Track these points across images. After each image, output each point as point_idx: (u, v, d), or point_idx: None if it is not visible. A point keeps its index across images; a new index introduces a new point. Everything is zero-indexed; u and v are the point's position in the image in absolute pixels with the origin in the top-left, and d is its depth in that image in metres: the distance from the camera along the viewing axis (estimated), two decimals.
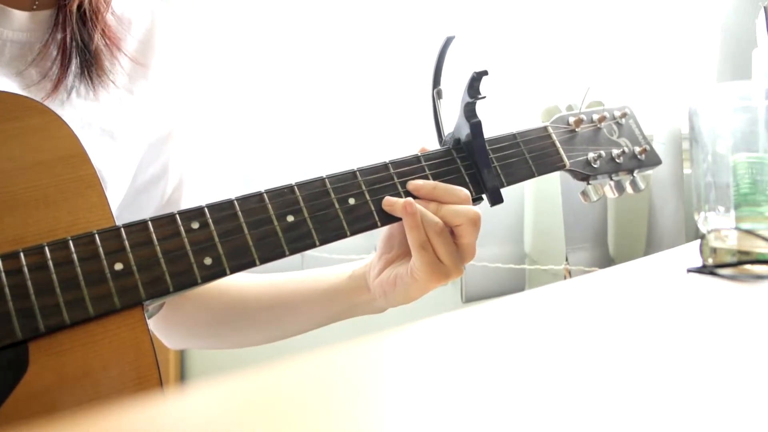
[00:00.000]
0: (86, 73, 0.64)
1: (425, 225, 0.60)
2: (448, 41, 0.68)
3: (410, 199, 0.61)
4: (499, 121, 1.07)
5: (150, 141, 0.71)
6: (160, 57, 0.72)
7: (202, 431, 0.24)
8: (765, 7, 0.73)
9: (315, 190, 0.59)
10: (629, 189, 0.77)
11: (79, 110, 0.63)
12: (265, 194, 0.57)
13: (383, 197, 0.61)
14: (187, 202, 0.75)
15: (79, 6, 0.63)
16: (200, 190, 0.77)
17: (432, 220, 0.61)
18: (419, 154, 0.65)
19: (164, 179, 0.73)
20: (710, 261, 0.53)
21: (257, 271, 0.67)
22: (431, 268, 0.61)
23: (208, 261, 0.53)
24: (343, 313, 0.71)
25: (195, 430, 0.24)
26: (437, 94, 0.68)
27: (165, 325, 0.77)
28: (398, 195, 0.62)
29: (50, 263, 0.48)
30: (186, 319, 0.76)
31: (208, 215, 0.54)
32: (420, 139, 1.19)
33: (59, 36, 0.62)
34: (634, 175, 0.78)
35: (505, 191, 0.68)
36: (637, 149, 0.77)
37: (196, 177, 0.77)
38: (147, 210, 0.73)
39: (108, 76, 0.66)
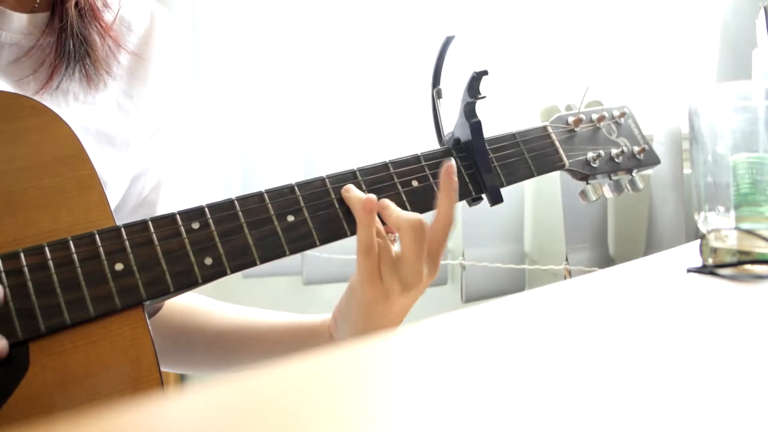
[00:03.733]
0: (83, 69, 0.63)
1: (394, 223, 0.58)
2: (448, 41, 0.68)
3: (372, 196, 0.58)
4: (498, 120, 1.07)
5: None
6: (159, 59, 0.72)
7: (202, 431, 0.24)
8: (765, 7, 0.73)
9: (315, 189, 0.59)
10: (628, 189, 0.77)
11: (77, 114, 0.63)
12: (265, 194, 0.57)
13: (383, 197, 0.61)
14: (164, 205, 0.74)
15: (76, 4, 0.63)
16: (180, 193, 0.77)
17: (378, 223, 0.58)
18: (419, 153, 0.66)
19: (143, 178, 0.73)
20: (710, 261, 0.53)
21: (257, 273, 0.67)
22: (369, 278, 0.57)
23: (208, 261, 0.53)
24: (297, 352, 0.66)
25: (195, 430, 0.24)
26: (437, 94, 0.68)
27: None
28: (398, 195, 0.62)
29: (51, 263, 0.48)
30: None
31: (208, 215, 0.54)
32: (420, 139, 1.19)
33: (56, 32, 0.62)
34: (633, 174, 0.78)
35: (505, 191, 0.68)
36: (636, 149, 0.77)
37: (176, 180, 0.76)
38: (123, 208, 0.72)
39: (105, 73, 0.65)
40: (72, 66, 0.63)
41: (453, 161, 0.60)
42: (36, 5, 0.63)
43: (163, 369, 0.78)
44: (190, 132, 1.31)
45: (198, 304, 0.76)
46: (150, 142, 0.72)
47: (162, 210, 0.73)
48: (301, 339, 0.68)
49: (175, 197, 0.76)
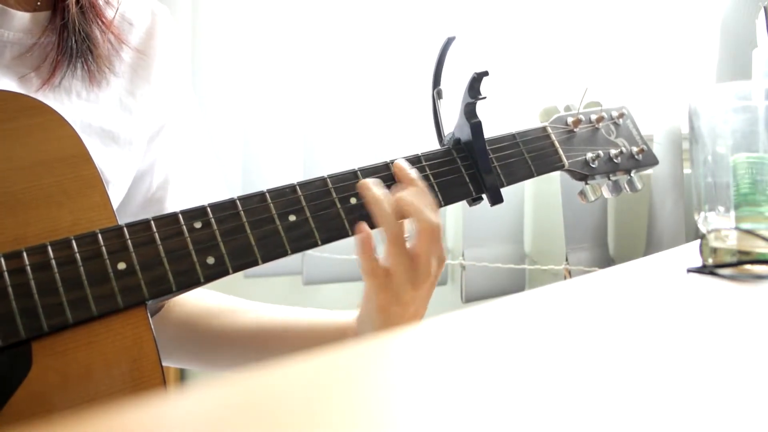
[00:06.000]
0: (85, 65, 0.63)
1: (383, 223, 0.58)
2: (449, 42, 0.68)
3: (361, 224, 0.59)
4: (498, 121, 1.07)
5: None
6: (162, 57, 0.72)
7: (202, 431, 0.24)
8: (765, 7, 0.73)
9: (316, 189, 0.59)
10: (626, 189, 0.77)
11: (80, 111, 0.63)
12: (267, 194, 0.57)
13: None
14: (172, 202, 0.74)
15: (77, 1, 0.63)
16: (188, 191, 0.77)
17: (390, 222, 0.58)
18: (420, 153, 0.66)
19: (150, 175, 0.73)
20: (710, 261, 0.54)
21: (257, 273, 0.67)
22: (377, 289, 0.59)
23: (210, 260, 0.53)
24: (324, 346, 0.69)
25: (195, 430, 0.24)
26: (437, 94, 0.68)
27: None
28: None
29: (53, 263, 0.48)
30: (168, 337, 0.75)
31: (210, 215, 0.54)
32: (420, 139, 1.19)
33: (58, 29, 0.63)
34: (632, 175, 0.78)
35: (505, 191, 0.68)
36: (635, 149, 0.78)
37: (184, 178, 0.76)
38: (131, 206, 0.72)
39: (107, 70, 0.65)
40: (74, 62, 0.63)
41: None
42: (38, 4, 0.63)
43: (185, 367, 0.78)
44: (197, 129, 1.31)
45: (220, 303, 0.75)
46: (156, 139, 0.73)
47: (171, 207, 0.73)
48: (327, 339, 0.69)
49: (183, 194, 0.76)
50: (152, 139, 0.72)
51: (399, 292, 0.59)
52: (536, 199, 1.20)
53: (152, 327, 0.50)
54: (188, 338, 0.75)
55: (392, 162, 0.64)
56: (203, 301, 0.76)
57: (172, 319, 0.75)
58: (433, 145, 0.69)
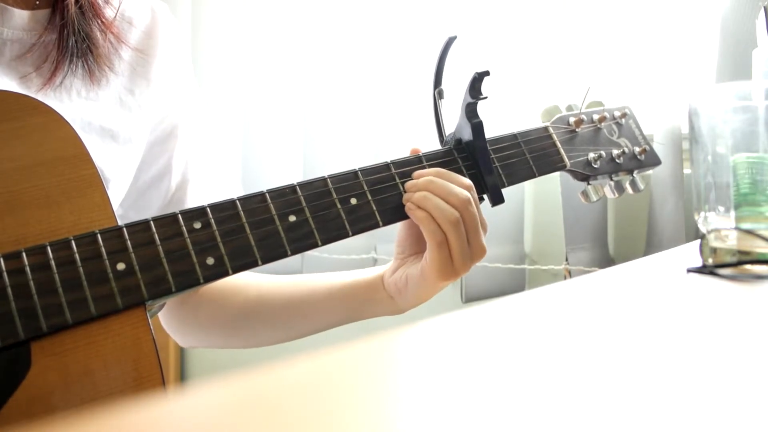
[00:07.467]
0: (86, 65, 0.64)
1: (440, 219, 0.60)
2: (450, 41, 0.68)
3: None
4: (499, 121, 1.07)
5: (151, 139, 0.71)
6: (162, 55, 0.72)
7: (202, 431, 0.24)
8: (765, 7, 0.73)
9: (317, 190, 0.59)
10: (629, 189, 0.77)
11: (80, 110, 0.63)
12: (267, 194, 0.57)
13: (385, 197, 0.62)
14: (192, 202, 0.75)
15: (77, 0, 0.63)
16: (206, 189, 0.77)
17: (447, 211, 0.60)
18: (420, 154, 0.66)
19: (167, 177, 0.73)
20: (710, 261, 0.54)
21: (267, 272, 0.68)
22: (442, 266, 0.61)
23: (210, 261, 0.53)
24: (359, 313, 0.70)
25: (195, 430, 0.24)
26: (438, 95, 0.68)
27: (179, 325, 0.77)
28: (399, 195, 0.62)
29: (52, 263, 0.48)
30: (202, 319, 0.76)
31: (210, 215, 0.54)
32: (421, 140, 1.19)
33: (58, 28, 0.63)
34: (634, 175, 0.78)
35: (505, 191, 0.68)
36: (637, 149, 0.78)
37: (201, 176, 0.77)
38: (151, 208, 0.73)
39: (107, 68, 0.66)
40: (75, 62, 0.63)
41: None
42: (37, 2, 0.63)
43: (229, 348, 0.80)
44: (205, 126, 1.31)
45: (254, 281, 0.76)
46: (169, 138, 0.73)
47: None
48: (358, 297, 0.69)
49: (202, 193, 0.76)
50: (165, 139, 0.73)
51: (458, 268, 0.62)
52: (536, 199, 1.20)
53: (151, 327, 0.50)
54: (216, 318, 0.75)
55: (392, 162, 0.64)
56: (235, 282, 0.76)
57: (192, 301, 0.75)
58: (434, 145, 0.69)
